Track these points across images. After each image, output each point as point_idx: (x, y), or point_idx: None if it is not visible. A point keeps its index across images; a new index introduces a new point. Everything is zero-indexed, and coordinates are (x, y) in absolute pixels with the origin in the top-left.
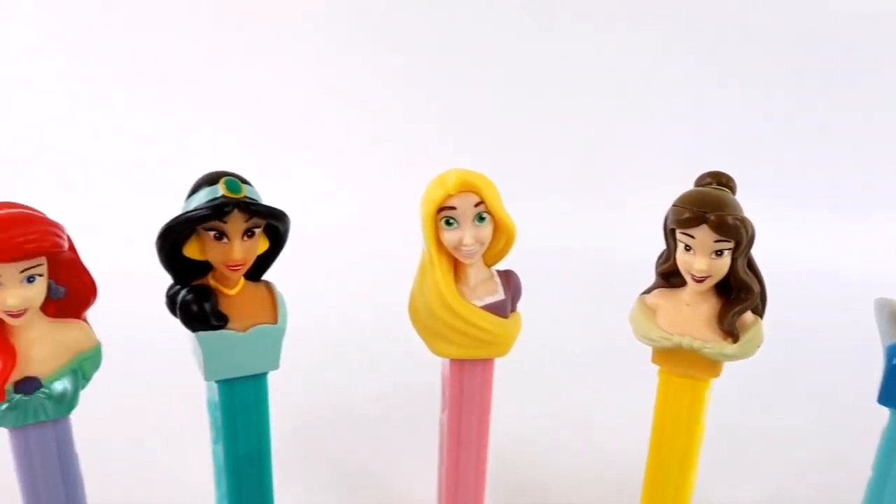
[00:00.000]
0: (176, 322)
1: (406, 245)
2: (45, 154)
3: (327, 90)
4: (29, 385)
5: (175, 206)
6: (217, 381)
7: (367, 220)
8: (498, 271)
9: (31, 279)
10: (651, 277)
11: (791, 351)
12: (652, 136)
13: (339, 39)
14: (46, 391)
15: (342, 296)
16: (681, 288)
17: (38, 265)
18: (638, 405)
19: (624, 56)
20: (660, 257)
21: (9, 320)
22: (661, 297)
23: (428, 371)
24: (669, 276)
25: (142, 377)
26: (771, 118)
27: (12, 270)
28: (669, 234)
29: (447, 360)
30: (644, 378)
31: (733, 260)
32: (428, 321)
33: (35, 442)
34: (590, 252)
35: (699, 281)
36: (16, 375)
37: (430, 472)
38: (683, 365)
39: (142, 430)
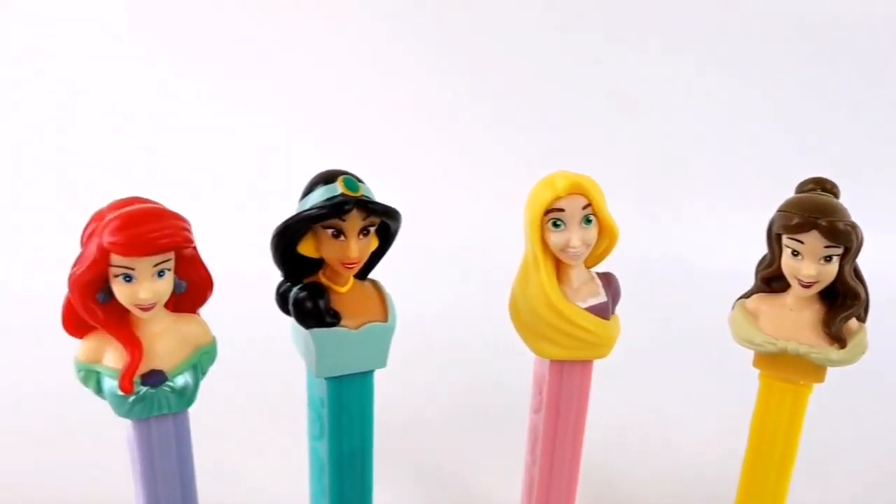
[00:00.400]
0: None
1: (482, 246)
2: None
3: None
4: (155, 378)
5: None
6: (326, 378)
7: (444, 219)
8: (598, 273)
9: (161, 273)
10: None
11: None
12: (713, 146)
13: (432, 50)
14: (171, 385)
15: (422, 296)
16: (783, 293)
17: (168, 260)
18: (719, 408)
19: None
20: (761, 262)
21: (138, 313)
22: (762, 302)
23: (508, 371)
24: (770, 281)
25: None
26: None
27: (146, 265)
28: (775, 240)
29: (545, 361)
30: (724, 380)
31: (841, 266)
32: (531, 322)
33: (156, 434)
34: (652, 258)
35: (806, 286)
36: (142, 368)
37: (513, 472)
38: (786, 370)
39: (228, 426)
